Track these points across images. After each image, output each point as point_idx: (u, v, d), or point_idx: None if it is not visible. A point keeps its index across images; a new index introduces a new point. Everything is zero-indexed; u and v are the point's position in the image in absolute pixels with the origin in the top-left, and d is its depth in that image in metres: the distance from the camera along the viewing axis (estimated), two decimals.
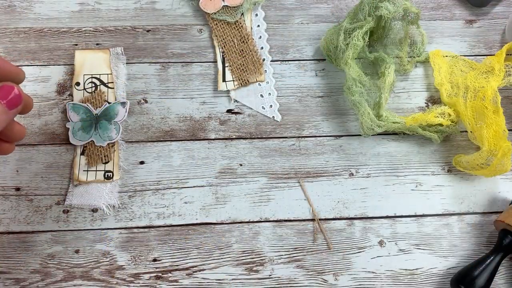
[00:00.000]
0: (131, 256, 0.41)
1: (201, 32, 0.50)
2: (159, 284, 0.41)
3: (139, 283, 0.40)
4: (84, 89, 0.46)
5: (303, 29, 0.50)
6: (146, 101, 0.46)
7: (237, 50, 0.48)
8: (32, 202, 0.42)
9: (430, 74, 0.49)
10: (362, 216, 0.44)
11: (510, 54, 0.47)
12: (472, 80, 0.44)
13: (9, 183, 0.43)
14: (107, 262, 0.41)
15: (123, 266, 0.41)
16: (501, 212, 0.43)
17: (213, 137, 0.46)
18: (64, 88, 0.46)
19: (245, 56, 0.48)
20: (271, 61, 0.49)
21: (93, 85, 0.46)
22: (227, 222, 0.43)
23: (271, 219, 0.43)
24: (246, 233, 0.43)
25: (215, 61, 0.48)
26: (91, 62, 0.47)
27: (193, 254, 0.42)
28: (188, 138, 0.45)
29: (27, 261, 0.40)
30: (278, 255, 0.42)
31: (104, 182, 0.43)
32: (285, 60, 0.49)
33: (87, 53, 0.47)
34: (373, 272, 0.42)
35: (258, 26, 0.50)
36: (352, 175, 0.45)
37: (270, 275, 0.41)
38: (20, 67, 0.47)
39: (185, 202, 0.43)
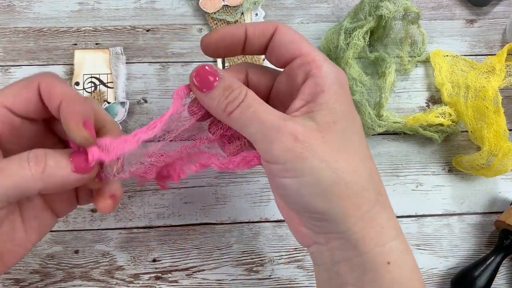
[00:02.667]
0: (130, 256, 0.41)
1: (201, 31, 0.50)
2: (159, 284, 0.40)
3: (138, 283, 0.40)
4: (84, 89, 0.45)
5: (303, 28, 0.50)
6: (145, 101, 0.46)
7: None
8: None
9: (430, 74, 0.49)
10: None
11: (511, 54, 0.47)
12: (473, 80, 0.44)
13: None
14: (107, 263, 0.41)
15: (123, 267, 0.41)
16: (502, 212, 0.43)
17: None
18: None
19: (245, 55, 0.48)
20: None
21: (93, 85, 0.46)
22: (227, 222, 0.43)
23: (271, 219, 0.43)
24: (246, 233, 0.42)
25: (214, 61, 0.48)
26: (90, 62, 0.46)
27: (193, 254, 0.42)
28: (188, 138, 0.45)
29: (26, 261, 0.40)
30: (279, 255, 0.42)
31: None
32: None
33: (87, 53, 0.47)
34: None
35: None
36: None
37: (270, 276, 0.41)
38: (24, 70, 0.46)
39: (185, 202, 0.43)
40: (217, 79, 0.24)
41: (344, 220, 0.24)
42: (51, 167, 0.24)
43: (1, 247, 0.26)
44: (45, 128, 0.28)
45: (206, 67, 0.25)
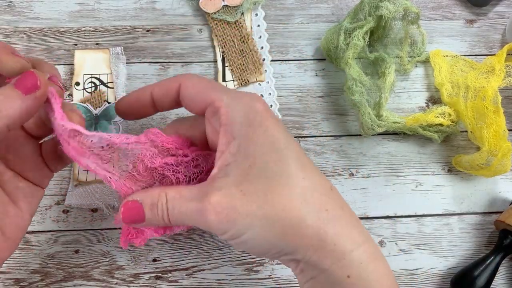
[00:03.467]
0: (130, 256, 0.41)
1: (201, 32, 0.50)
2: (159, 284, 0.40)
3: (139, 283, 0.40)
4: (84, 89, 0.46)
5: (303, 29, 0.50)
6: None
7: (237, 50, 0.48)
8: None
9: (430, 74, 0.49)
10: (362, 216, 0.44)
11: (511, 54, 0.47)
12: (473, 80, 0.44)
13: None
14: (107, 262, 0.41)
15: (123, 266, 0.41)
16: (502, 212, 0.43)
17: None
18: (64, 88, 0.46)
19: (245, 56, 0.48)
20: (271, 60, 0.49)
21: (93, 85, 0.46)
22: None
23: None
24: None
25: (215, 61, 0.48)
26: (91, 62, 0.47)
27: (193, 254, 0.42)
28: None
29: (26, 261, 0.40)
30: None
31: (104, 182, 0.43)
32: (285, 60, 0.49)
33: (87, 53, 0.47)
34: None
35: (258, 25, 0.50)
36: (352, 175, 0.45)
37: (270, 275, 0.41)
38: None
39: None
40: (142, 209, 0.27)
41: (295, 252, 0.26)
42: (3, 103, 0.24)
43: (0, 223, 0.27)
44: None
45: (128, 209, 0.27)
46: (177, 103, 0.28)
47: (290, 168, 0.25)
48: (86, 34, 0.48)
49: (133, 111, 0.29)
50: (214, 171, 0.26)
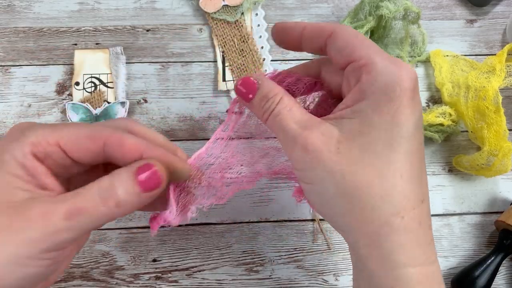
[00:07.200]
0: (130, 256, 0.41)
1: (201, 31, 0.50)
2: (159, 284, 0.40)
3: (138, 283, 0.40)
4: (84, 89, 0.45)
5: None
6: (145, 101, 0.46)
7: (237, 49, 0.48)
8: None
9: (431, 74, 0.49)
10: None
11: (511, 54, 0.47)
12: (473, 80, 0.44)
13: None
14: (107, 263, 0.41)
15: (123, 267, 0.41)
16: (502, 212, 0.43)
17: None
18: (64, 88, 0.46)
19: (245, 55, 0.48)
20: (271, 60, 0.49)
21: (93, 84, 0.46)
22: (227, 222, 0.43)
23: (271, 219, 0.43)
24: (246, 233, 0.42)
25: (215, 61, 0.48)
26: (90, 62, 0.46)
27: (193, 254, 0.42)
28: (188, 138, 0.45)
29: None
30: (278, 255, 0.42)
31: None
32: (285, 60, 0.49)
33: (87, 53, 0.47)
34: None
35: (258, 25, 0.50)
36: None
37: (270, 276, 0.41)
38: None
39: None
40: (256, 88, 0.27)
41: (349, 233, 0.25)
42: (122, 198, 0.23)
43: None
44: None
45: (250, 78, 0.27)
46: (322, 50, 0.27)
47: (394, 159, 0.23)
48: (85, 34, 0.48)
49: (283, 39, 0.29)
50: (330, 115, 0.26)
